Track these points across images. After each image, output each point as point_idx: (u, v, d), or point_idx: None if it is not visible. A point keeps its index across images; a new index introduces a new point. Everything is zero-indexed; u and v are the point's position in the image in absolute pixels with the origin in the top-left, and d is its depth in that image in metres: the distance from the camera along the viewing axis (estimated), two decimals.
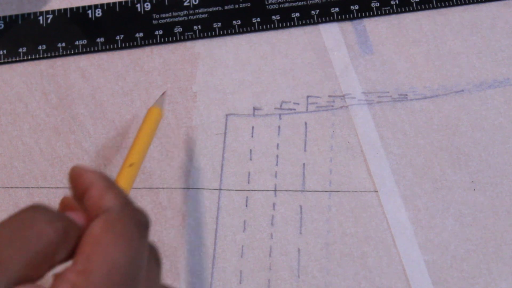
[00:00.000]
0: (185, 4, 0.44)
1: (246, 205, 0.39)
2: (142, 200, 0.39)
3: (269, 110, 0.42)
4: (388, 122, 0.41)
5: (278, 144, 0.41)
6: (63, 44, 0.43)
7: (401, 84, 0.42)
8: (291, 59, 0.43)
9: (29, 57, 0.43)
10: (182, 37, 0.43)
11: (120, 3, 0.44)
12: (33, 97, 0.42)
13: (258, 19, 0.44)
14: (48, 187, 0.40)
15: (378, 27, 0.44)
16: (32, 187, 0.40)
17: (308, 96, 0.42)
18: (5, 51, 0.43)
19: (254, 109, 0.42)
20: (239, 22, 0.44)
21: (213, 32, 0.43)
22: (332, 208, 0.39)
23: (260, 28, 0.43)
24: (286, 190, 0.39)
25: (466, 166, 0.40)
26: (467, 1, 0.44)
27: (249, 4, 0.44)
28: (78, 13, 0.44)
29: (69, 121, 0.41)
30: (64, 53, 0.43)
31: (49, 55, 0.43)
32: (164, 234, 0.38)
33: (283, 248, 0.38)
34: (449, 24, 0.44)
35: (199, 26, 0.43)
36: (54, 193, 0.39)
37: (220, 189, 0.39)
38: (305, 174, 0.40)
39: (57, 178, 0.40)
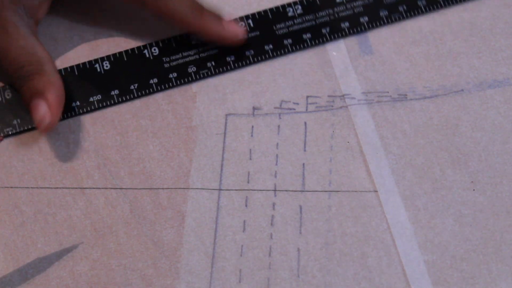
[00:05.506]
0: (193, 43, 0.43)
1: (246, 205, 0.39)
2: (142, 200, 0.39)
3: (268, 109, 0.42)
4: (388, 122, 0.41)
5: (277, 144, 0.41)
6: (78, 103, 0.41)
7: (401, 84, 0.42)
8: (291, 59, 0.43)
9: None
10: (197, 77, 0.42)
11: (126, 51, 0.42)
12: None
13: (271, 46, 0.43)
14: (48, 187, 0.40)
15: (378, 27, 0.44)
16: (32, 187, 0.40)
17: (308, 96, 0.42)
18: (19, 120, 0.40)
19: (254, 109, 0.42)
20: (252, 52, 0.43)
21: (228, 67, 0.42)
22: (332, 208, 0.39)
23: (274, 54, 0.42)
24: (286, 190, 0.39)
25: (466, 166, 0.40)
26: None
27: (258, 32, 0.43)
28: (86, 69, 0.42)
29: (69, 121, 0.41)
30: (80, 111, 0.41)
31: (64, 116, 0.41)
32: (164, 234, 0.38)
33: (282, 248, 0.38)
34: (449, 24, 0.44)
35: (213, 62, 0.42)
36: (54, 193, 0.39)
37: (220, 189, 0.39)
38: (305, 174, 0.40)
39: (57, 178, 0.40)
